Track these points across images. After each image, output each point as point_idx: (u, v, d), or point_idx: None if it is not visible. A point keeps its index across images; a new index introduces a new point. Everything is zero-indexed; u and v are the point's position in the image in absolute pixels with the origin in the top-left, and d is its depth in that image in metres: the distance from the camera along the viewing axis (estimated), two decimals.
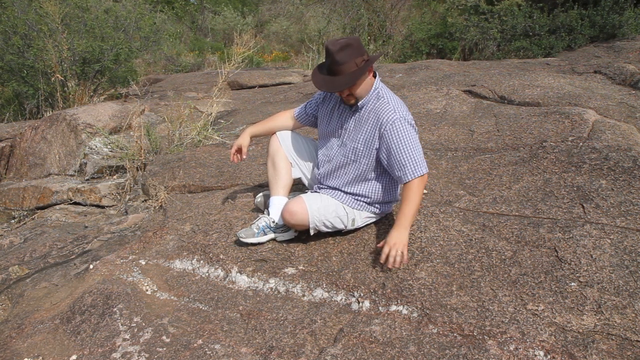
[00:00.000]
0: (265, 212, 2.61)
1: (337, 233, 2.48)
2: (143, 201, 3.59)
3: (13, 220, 3.93)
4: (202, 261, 2.52)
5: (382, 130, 2.22)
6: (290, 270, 2.34)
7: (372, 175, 2.36)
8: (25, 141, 4.78)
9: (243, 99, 6.45)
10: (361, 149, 2.31)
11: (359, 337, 1.89)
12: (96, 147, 4.52)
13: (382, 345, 1.85)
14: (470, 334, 1.83)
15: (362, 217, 2.45)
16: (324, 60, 2.24)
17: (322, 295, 2.18)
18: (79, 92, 5.83)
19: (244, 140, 2.61)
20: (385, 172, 2.35)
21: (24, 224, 3.75)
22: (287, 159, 2.57)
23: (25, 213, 3.95)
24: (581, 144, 2.97)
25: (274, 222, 2.49)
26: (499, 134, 3.35)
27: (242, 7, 19.61)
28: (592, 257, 2.08)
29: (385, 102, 2.26)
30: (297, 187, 2.81)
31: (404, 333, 1.89)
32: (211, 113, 4.69)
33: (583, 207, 2.40)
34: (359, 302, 2.09)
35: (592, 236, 2.18)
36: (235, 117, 5.34)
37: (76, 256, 2.86)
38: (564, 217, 2.35)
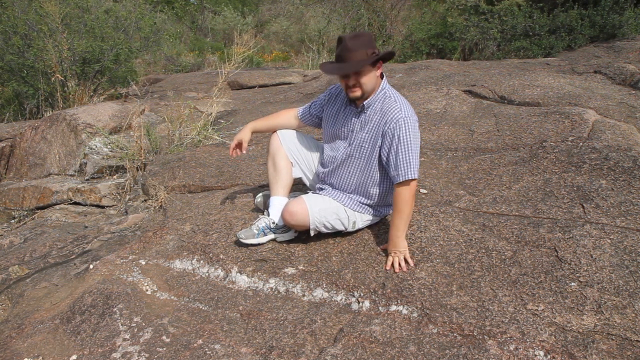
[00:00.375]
0: (265, 213, 2.60)
1: (338, 233, 2.48)
2: (143, 201, 3.58)
3: (13, 220, 3.93)
4: (202, 261, 2.52)
5: (386, 127, 2.23)
6: (290, 270, 2.33)
7: (376, 178, 2.36)
8: (25, 141, 4.78)
9: (243, 99, 6.45)
10: (367, 147, 2.31)
11: (359, 337, 1.89)
12: (96, 147, 4.52)
13: (382, 345, 1.85)
14: (470, 334, 1.83)
15: (364, 219, 2.45)
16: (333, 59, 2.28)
17: (322, 295, 2.18)
18: (79, 92, 5.83)
19: (244, 134, 2.57)
20: (388, 175, 2.35)
21: (24, 224, 3.75)
22: (287, 158, 2.55)
23: (25, 213, 3.95)
24: (581, 144, 2.97)
25: (273, 223, 2.48)
26: (499, 134, 3.36)
27: (242, 7, 19.61)
28: (592, 257, 2.08)
29: (392, 101, 2.26)
30: (298, 187, 2.81)
31: (404, 333, 1.89)
32: (211, 113, 4.69)
33: (583, 207, 2.40)
34: (359, 302, 2.09)
35: (592, 236, 2.19)
36: (235, 117, 5.34)
37: (76, 256, 2.86)
38: (564, 217, 2.35)
